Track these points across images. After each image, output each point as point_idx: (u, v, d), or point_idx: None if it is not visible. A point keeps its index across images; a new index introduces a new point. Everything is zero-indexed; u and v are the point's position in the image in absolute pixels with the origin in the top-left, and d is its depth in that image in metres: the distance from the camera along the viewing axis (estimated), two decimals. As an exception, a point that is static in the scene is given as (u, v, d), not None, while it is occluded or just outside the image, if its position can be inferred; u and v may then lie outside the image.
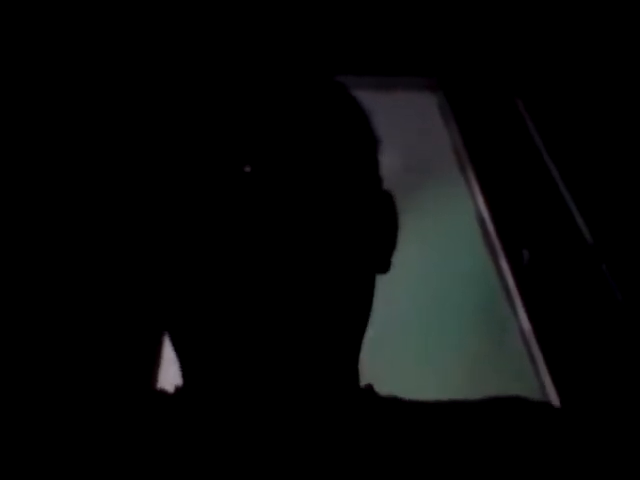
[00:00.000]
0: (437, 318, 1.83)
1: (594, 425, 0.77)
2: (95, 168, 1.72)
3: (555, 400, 1.65)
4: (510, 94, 2.00)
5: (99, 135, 1.74)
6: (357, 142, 0.73)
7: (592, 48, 1.97)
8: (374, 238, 0.72)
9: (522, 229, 1.85)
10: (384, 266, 0.75)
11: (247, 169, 0.65)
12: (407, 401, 0.75)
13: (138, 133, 0.71)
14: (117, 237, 1.58)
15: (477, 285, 1.88)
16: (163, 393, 0.75)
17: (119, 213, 0.68)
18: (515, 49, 2.03)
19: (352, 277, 0.68)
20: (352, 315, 0.69)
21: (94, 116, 1.78)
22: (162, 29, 1.89)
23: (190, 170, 0.67)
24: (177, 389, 0.74)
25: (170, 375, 0.76)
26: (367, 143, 0.75)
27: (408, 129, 1.92)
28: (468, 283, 1.87)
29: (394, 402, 0.75)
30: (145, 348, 1.60)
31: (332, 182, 0.68)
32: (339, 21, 1.99)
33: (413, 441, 0.71)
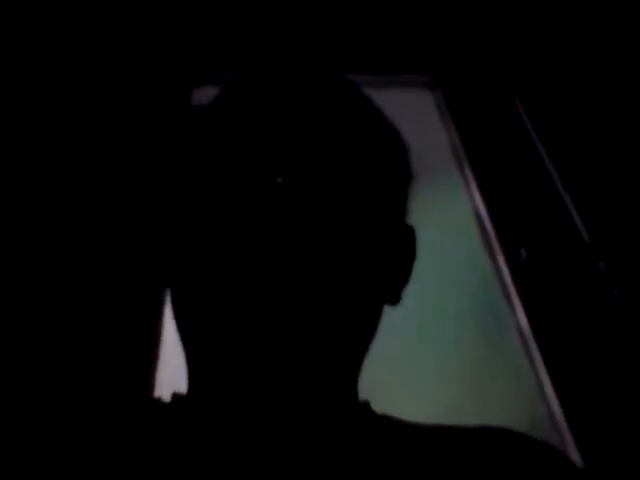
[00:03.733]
0: (435, 316, 1.82)
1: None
2: (115, 170, 1.72)
3: (553, 399, 1.65)
4: (507, 91, 2.00)
5: (121, 139, 1.74)
6: (391, 174, 0.73)
7: (588, 44, 1.97)
8: (388, 270, 0.72)
9: (520, 227, 1.85)
10: (394, 299, 0.75)
11: (279, 180, 0.65)
12: (400, 421, 0.76)
13: (164, 139, 0.71)
14: (131, 237, 1.58)
15: (474, 283, 1.88)
16: (160, 401, 0.75)
17: (135, 215, 0.68)
18: (511, 46, 2.03)
19: (359, 305, 0.69)
20: (354, 340, 0.69)
21: (115, 121, 1.78)
22: (175, 32, 1.89)
23: (216, 177, 0.66)
24: (175, 396, 0.74)
25: (167, 376, 0.75)
26: (400, 176, 0.75)
27: (405, 127, 1.92)
28: (465, 281, 1.87)
29: (387, 422, 0.75)
30: (143, 348, 1.60)
31: (358, 211, 0.68)
32: (337, 20, 1.98)
33: (401, 462, 0.71)
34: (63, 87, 1.84)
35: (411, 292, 1.76)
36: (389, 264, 0.72)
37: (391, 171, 0.73)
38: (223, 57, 1.92)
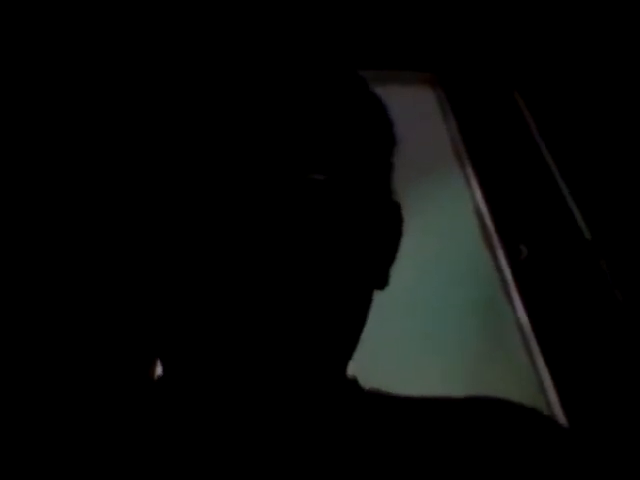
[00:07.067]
0: (435, 313, 1.83)
1: (580, 437, 0.77)
2: (92, 174, 1.71)
3: (553, 395, 1.65)
4: (509, 88, 2.00)
5: (96, 142, 1.74)
6: (372, 145, 0.70)
7: (589, 41, 1.97)
8: (376, 254, 0.70)
9: (520, 224, 1.85)
10: (382, 282, 0.73)
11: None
12: (389, 395, 0.75)
13: (141, 138, 0.70)
14: (112, 242, 1.57)
15: (475, 280, 1.88)
16: (149, 382, 0.75)
17: (115, 218, 0.67)
18: (513, 43, 2.03)
19: (349, 293, 0.67)
20: (345, 329, 0.69)
21: (92, 120, 1.78)
22: (168, 25, 1.88)
23: (193, 178, 0.66)
24: (159, 378, 0.73)
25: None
26: (383, 146, 0.72)
27: (406, 124, 1.92)
28: (466, 278, 1.88)
29: (376, 396, 0.75)
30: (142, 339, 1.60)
31: (340, 195, 0.66)
32: (339, 15, 1.98)
33: (392, 435, 0.71)
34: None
35: (411, 288, 1.77)
36: (375, 248, 0.71)
37: (376, 145, 0.70)
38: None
